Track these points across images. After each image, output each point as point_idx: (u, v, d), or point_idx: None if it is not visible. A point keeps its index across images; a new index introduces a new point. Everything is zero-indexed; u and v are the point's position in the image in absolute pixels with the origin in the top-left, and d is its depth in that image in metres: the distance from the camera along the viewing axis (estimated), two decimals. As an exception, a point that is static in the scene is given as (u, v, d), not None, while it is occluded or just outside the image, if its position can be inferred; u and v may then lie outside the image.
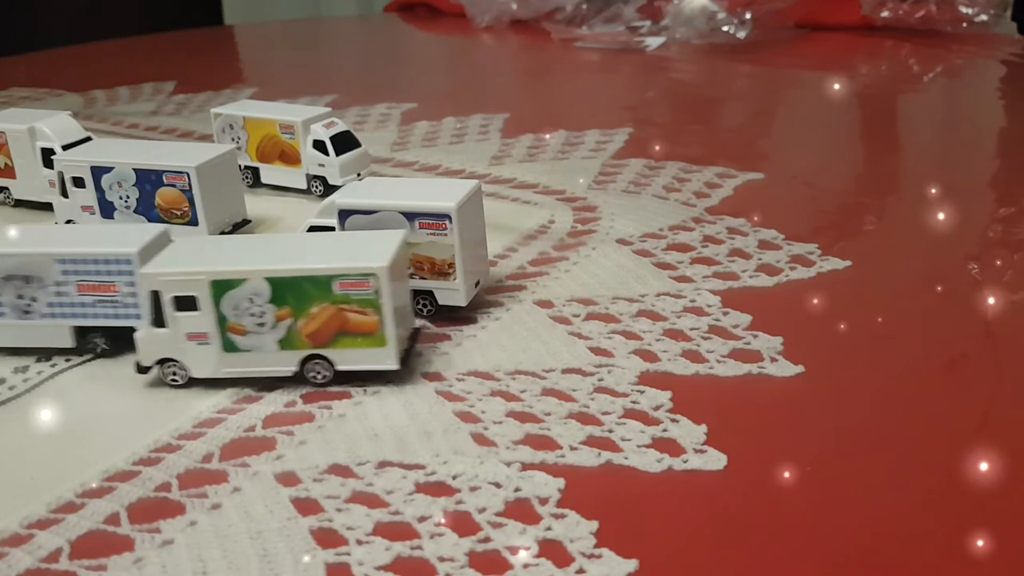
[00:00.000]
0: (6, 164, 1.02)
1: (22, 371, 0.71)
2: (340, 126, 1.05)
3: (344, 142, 1.04)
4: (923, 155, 1.26)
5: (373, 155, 1.12)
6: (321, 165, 1.03)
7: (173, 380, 0.67)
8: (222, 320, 0.65)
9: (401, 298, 0.67)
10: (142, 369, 0.67)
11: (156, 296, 0.64)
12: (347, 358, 0.66)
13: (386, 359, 0.66)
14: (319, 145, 1.03)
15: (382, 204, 0.74)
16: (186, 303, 0.64)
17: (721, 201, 1.01)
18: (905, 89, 1.50)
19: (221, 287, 0.64)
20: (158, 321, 0.65)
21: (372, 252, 0.64)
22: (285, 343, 0.65)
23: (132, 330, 0.68)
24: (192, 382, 0.67)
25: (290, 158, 1.05)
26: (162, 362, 0.66)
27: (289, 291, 0.64)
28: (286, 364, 0.66)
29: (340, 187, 1.00)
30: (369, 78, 1.85)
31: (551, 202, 1.03)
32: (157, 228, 0.72)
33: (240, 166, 1.05)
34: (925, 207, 1.04)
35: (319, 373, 0.66)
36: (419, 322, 0.72)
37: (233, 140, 1.08)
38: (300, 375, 0.66)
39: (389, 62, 1.96)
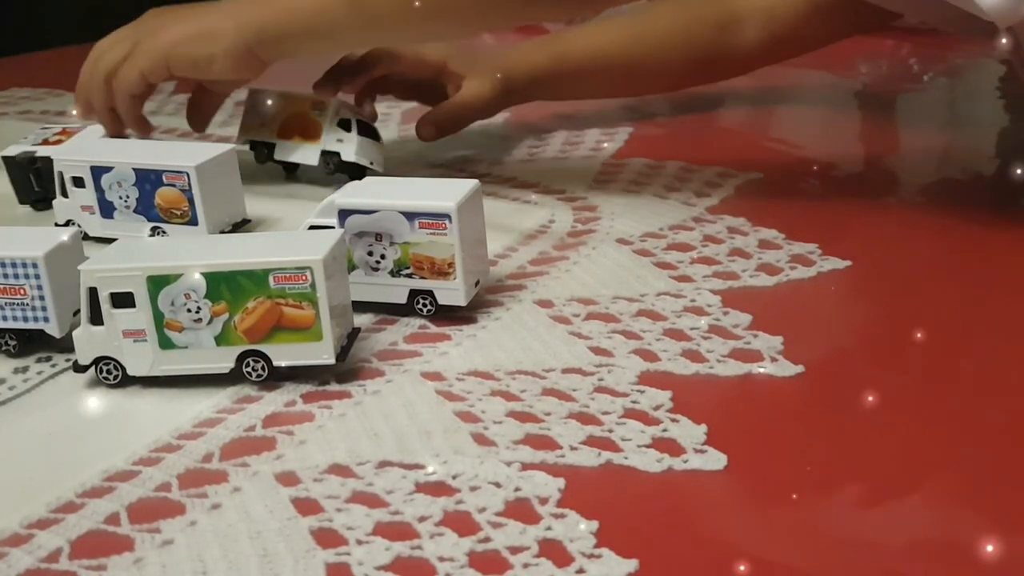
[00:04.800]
0: None
1: (22, 371, 0.71)
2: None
3: (367, 129, 1.07)
4: (923, 155, 1.26)
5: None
6: (340, 140, 1.05)
7: (106, 379, 0.67)
8: (159, 317, 0.65)
9: (339, 296, 0.67)
10: (79, 368, 0.67)
11: (93, 293, 0.65)
12: (283, 353, 0.66)
13: (323, 353, 0.66)
14: (344, 123, 1.05)
15: (382, 204, 0.74)
16: (123, 300, 0.65)
17: (721, 200, 1.01)
18: (905, 89, 1.50)
19: (158, 283, 0.64)
20: (95, 319, 0.65)
21: (309, 247, 0.66)
22: (221, 339, 0.66)
23: (41, 333, 0.69)
24: (193, 382, 0.67)
25: (310, 132, 1.06)
26: (98, 361, 0.67)
27: (225, 285, 0.64)
28: (223, 361, 0.66)
29: (353, 164, 1.03)
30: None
31: (551, 202, 1.03)
32: (68, 231, 0.72)
33: (257, 142, 1.08)
34: (925, 207, 1.04)
35: (255, 369, 0.66)
36: (359, 323, 0.73)
37: (258, 117, 1.08)
38: (236, 372, 0.66)
39: (389, 62, 1.95)
